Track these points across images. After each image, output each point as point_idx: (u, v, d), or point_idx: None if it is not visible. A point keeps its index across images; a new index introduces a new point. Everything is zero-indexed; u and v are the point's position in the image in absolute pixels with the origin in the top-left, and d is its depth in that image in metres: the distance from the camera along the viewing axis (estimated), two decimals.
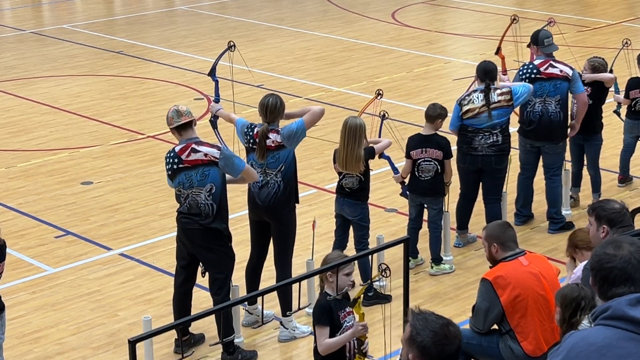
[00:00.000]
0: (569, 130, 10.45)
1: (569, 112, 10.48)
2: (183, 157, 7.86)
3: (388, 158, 9.38)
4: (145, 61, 17.68)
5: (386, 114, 9.43)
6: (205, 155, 7.88)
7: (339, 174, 8.96)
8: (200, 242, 7.98)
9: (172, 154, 7.93)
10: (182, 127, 7.91)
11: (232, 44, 9.21)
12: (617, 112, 11.56)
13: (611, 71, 10.93)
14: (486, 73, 9.78)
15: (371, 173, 9.10)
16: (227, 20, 21.08)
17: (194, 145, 7.89)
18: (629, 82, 11.26)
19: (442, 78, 16.54)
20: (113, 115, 14.54)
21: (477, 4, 22.32)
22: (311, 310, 8.73)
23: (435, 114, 9.49)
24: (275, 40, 19.12)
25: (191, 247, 8.06)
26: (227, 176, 8.01)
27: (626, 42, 11.37)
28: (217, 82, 9.29)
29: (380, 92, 9.62)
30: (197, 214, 7.89)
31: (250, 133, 8.42)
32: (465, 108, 9.75)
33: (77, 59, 17.81)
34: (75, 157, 12.86)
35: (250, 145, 8.42)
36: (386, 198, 11.11)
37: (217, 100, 9.11)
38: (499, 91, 9.74)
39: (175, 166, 7.88)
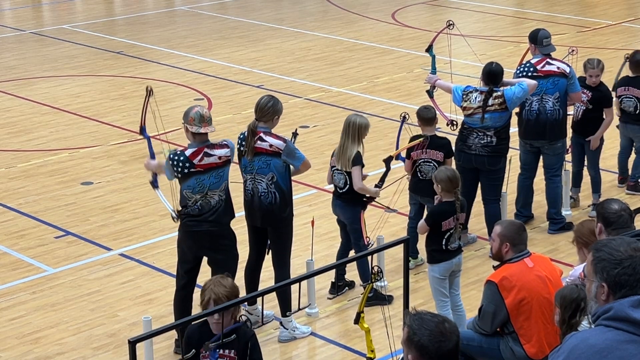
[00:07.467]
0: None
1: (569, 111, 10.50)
2: (195, 161, 7.86)
3: (403, 160, 9.49)
4: (145, 61, 17.68)
5: (407, 116, 9.46)
6: (220, 157, 7.90)
7: (331, 167, 8.93)
8: (209, 244, 7.99)
9: (182, 158, 7.88)
10: (199, 133, 7.93)
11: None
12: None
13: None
14: (490, 77, 9.78)
15: (370, 174, 9.08)
16: (227, 21, 21.08)
17: (206, 150, 7.90)
18: (618, 82, 11.23)
19: (442, 79, 16.48)
20: (113, 116, 14.53)
21: (477, 4, 22.31)
22: (311, 311, 8.78)
23: (429, 116, 9.48)
24: (275, 40, 19.11)
25: (198, 250, 8.06)
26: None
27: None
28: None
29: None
30: (207, 214, 7.91)
31: (241, 136, 8.44)
32: (464, 104, 9.79)
33: (77, 59, 17.80)
34: (75, 158, 12.85)
35: (242, 147, 8.41)
36: (386, 198, 11.08)
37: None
38: (495, 94, 9.74)
39: (186, 170, 7.87)
